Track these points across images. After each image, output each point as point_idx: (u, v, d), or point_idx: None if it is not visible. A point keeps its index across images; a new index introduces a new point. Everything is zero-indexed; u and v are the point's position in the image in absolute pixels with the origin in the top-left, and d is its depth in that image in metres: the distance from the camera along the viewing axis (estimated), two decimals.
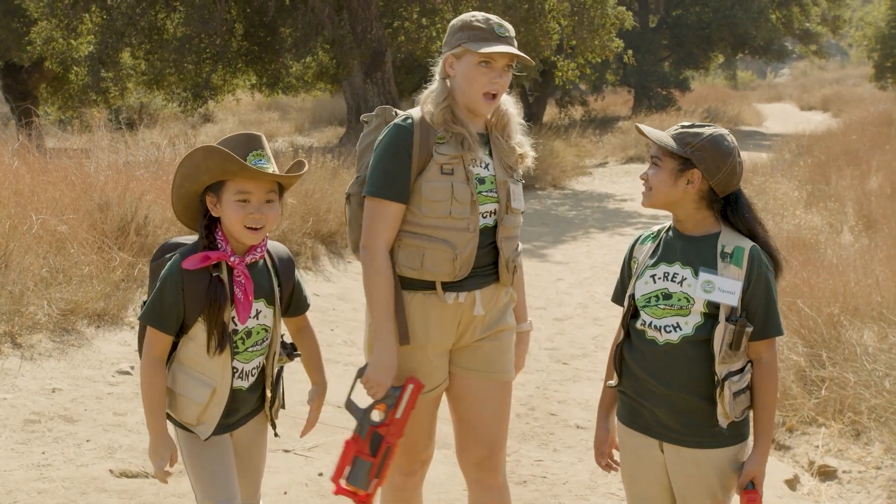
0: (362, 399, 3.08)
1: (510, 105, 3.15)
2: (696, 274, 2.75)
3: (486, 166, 3.06)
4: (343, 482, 3.00)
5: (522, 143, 3.15)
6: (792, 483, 4.69)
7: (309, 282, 8.61)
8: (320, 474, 4.60)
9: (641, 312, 2.86)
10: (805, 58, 44.85)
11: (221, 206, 2.75)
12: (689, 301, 2.75)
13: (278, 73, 18.05)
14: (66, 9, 15.70)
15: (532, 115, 25.66)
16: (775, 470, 4.87)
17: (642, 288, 2.86)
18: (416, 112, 3.06)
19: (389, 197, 2.97)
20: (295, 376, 5.91)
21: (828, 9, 33.15)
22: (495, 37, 2.97)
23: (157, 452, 2.80)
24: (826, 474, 4.76)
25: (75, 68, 18.71)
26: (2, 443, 4.54)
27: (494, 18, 3.01)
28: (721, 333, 2.70)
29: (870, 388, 5.07)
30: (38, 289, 5.86)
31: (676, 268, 2.81)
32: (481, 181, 3.03)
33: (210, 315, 2.75)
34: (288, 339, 3.11)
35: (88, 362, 5.65)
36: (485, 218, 3.03)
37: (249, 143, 2.76)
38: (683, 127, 2.83)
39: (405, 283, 3.05)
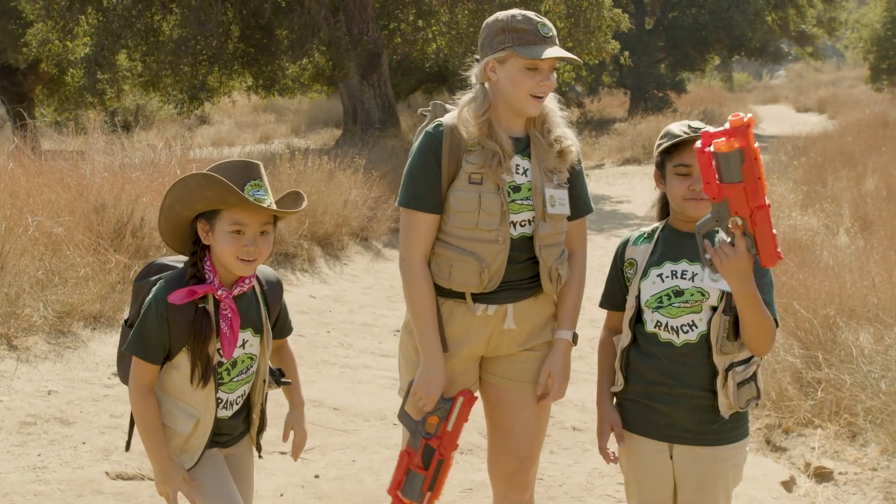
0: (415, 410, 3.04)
1: (549, 100, 3.03)
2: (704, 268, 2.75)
3: (525, 172, 2.96)
4: (399, 494, 2.96)
5: (564, 136, 3.01)
6: (788, 485, 4.70)
7: (305, 284, 8.61)
8: (316, 476, 4.60)
9: (654, 314, 2.82)
10: (801, 60, 44.93)
11: (214, 236, 2.66)
12: (703, 295, 2.75)
13: (274, 74, 18.03)
14: (62, 11, 15.68)
15: None
16: (772, 471, 4.88)
17: (650, 288, 2.83)
18: (448, 118, 2.98)
19: (420, 208, 2.93)
20: None
21: (823, 11, 33.20)
22: (541, 38, 2.87)
23: (168, 481, 2.72)
24: (822, 476, 4.76)
25: (71, 70, 18.68)
26: None
27: (535, 17, 2.90)
28: (717, 324, 2.71)
29: (866, 390, 5.07)
30: (34, 291, 5.85)
31: (684, 265, 2.80)
32: (516, 189, 2.93)
33: (194, 347, 2.67)
34: (275, 366, 3.03)
35: (84, 364, 5.64)
36: (522, 227, 2.95)
37: (248, 172, 2.65)
38: (698, 128, 2.76)
39: (439, 291, 3.00)
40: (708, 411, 2.78)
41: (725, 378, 2.73)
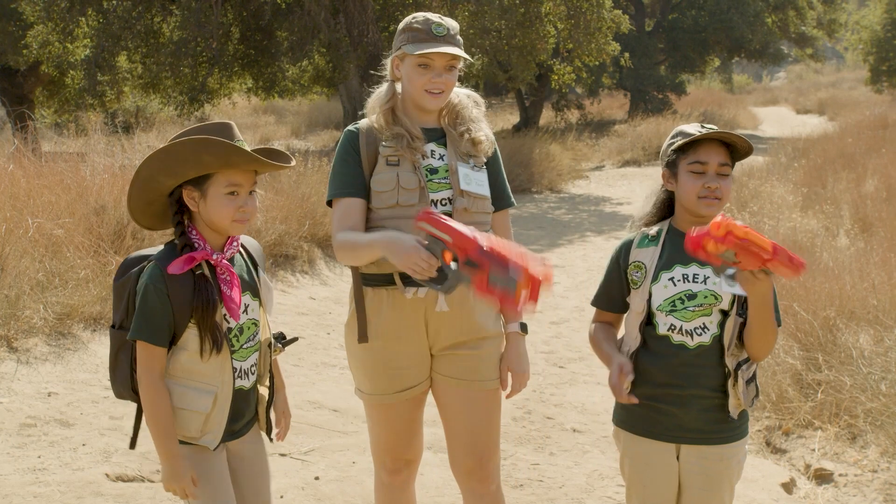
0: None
1: (462, 96, 3.19)
2: (717, 272, 2.75)
3: (441, 157, 3.09)
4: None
5: (476, 129, 3.14)
6: (788, 486, 4.69)
7: (305, 285, 8.61)
8: (316, 478, 4.60)
9: (667, 318, 2.82)
10: (801, 61, 44.92)
11: (206, 201, 2.62)
12: (716, 298, 2.77)
13: (274, 76, 18.03)
14: (63, 12, 15.67)
15: (528, 119, 25.68)
16: (772, 473, 4.88)
17: (662, 293, 2.83)
18: (364, 119, 3.16)
19: (347, 194, 3.04)
20: (291, 379, 5.90)
21: (823, 12, 33.23)
22: (432, 37, 3.00)
23: (176, 478, 2.63)
24: (822, 477, 4.76)
25: (71, 72, 18.68)
26: None
27: (434, 18, 3.04)
28: (731, 327, 2.75)
29: (866, 392, 5.07)
30: (34, 293, 5.85)
31: (694, 268, 2.81)
32: (433, 171, 3.06)
33: (202, 317, 2.61)
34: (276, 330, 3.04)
35: (84, 366, 5.64)
36: (443, 205, 3.04)
37: (229, 132, 2.61)
38: (716, 129, 2.79)
39: (367, 280, 3.07)
40: (716, 411, 2.81)
41: (736, 377, 2.77)
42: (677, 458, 2.87)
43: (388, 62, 3.14)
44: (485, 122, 3.20)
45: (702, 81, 42.32)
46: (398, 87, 3.14)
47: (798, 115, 36.37)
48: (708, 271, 2.79)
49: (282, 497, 4.37)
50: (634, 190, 17.73)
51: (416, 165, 3.02)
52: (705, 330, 2.78)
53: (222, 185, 2.61)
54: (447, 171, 3.07)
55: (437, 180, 3.05)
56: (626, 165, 21.52)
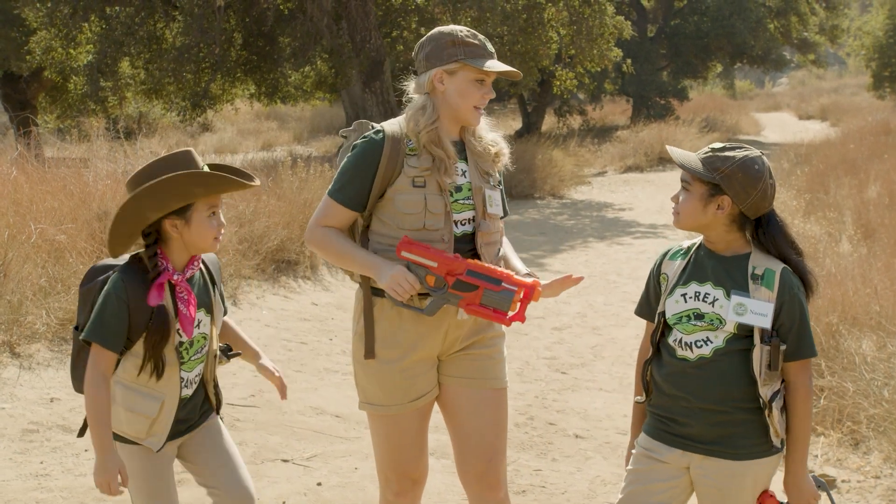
0: None
1: None
2: (727, 295, 2.74)
3: (464, 173, 3.08)
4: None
5: (496, 140, 3.17)
6: None
7: (307, 291, 8.61)
8: (319, 484, 4.60)
9: (673, 330, 2.83)
10: (803, 67, 44.96)
11: (190, 226, 2.79)
12: (721, 322, 2.74)
13: (277, 82, 18.04)
14: (65, 18, 15.70)
15: (530, 125, 25.70)
16: (774, 479, 4.86)
17: (673, 307, 2.83)
18: (388, 125, 3.09)
19: (341, 201, 3.05)
20: (293, 385, 5.91)
21: (826, 18, 33.22)
22: (488, 53, 3.03)
23: (106, 471, 2.75)
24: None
25: (74, 78, 18.71)
26: (0, 452, 4.54)
27: (479, 34, 3.05)
28: (759, 356, 2.71)
29: (868, 398, 5.07)
30: (37, 298, 5.86)
31: (708, 287, 2.79)
32: (458, 189, 3.06)
33: (152, 347, 2.78)
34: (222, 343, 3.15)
35: None
36: (463, 225, 3.06)
37: (195, 161, 2.79)
38: (714, 150, 2.77)
39: (384, 293, 3.05)
40: (726, 426, 2.78)
41: (770, 408, 2.74)
42: (688, 468, 2.85)
43: (427, 74, 3.04)
44: (496, 133, 3.20)
45: (704, 87, 42.32)
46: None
47: (800, 121, 36.38)
48: (719, 293, 2.76)
49: (284, 503, 4.37)
50: (637, 196, 17.73)
51: (442, 188, 3.01)
52: (707, 343, 2.76)
53: (205, 208, 2.80)
54: (470, 189, 3.07)
55: (461, 200, 3.05)
56: (628, 171, 21.52)
